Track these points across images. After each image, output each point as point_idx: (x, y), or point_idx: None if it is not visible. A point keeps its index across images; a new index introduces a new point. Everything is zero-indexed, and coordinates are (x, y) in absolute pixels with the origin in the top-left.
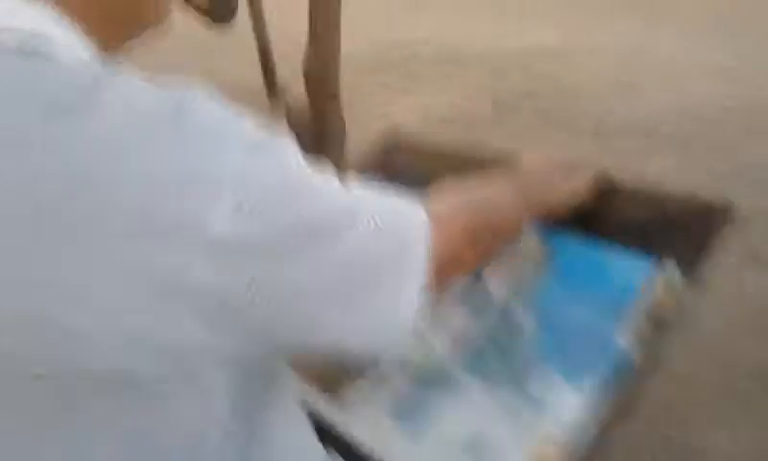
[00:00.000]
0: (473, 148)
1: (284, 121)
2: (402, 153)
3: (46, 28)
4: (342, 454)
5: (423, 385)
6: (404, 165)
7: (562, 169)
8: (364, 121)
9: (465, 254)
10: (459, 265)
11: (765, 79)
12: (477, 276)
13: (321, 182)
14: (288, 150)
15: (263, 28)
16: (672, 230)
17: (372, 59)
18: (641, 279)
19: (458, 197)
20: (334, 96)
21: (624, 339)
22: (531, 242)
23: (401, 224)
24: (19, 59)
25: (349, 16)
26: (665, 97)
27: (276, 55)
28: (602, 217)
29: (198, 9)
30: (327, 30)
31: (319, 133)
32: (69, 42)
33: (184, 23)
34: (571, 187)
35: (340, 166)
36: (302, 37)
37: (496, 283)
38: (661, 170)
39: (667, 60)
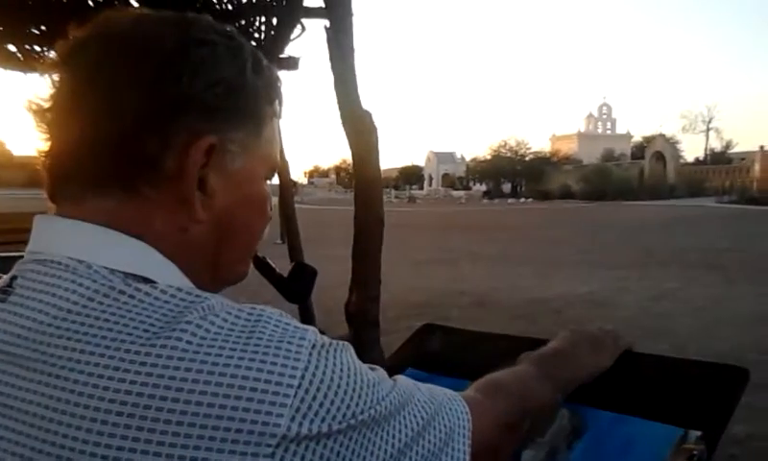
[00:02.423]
0: (505, 334)
1: None
2: (439, 340)
3: (149, 266)
4: None
5: None
6: (441, 352)
7: (588, 343)
8: None
9: (502, 443)
10: (496, 454)
11: None
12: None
13: (373, 379)
14: (345, 350)
15: None
16: (692, 395)
17: (404, 305)
18: (667, 450)
19: (493, 387)
20: (375, 324)
21: None
22: (561, 417)
23: (446, 417)
24: (124, 294)
25: (387, 267)
26: (695, 343)
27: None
28: (625, 381)
29: (273, 284)
30: (370, 276)
31: None
32: (167, 276)
33: None
34: (598, 361)
35: None
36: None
37: (529, 457)
38: None
39: (696, 308)
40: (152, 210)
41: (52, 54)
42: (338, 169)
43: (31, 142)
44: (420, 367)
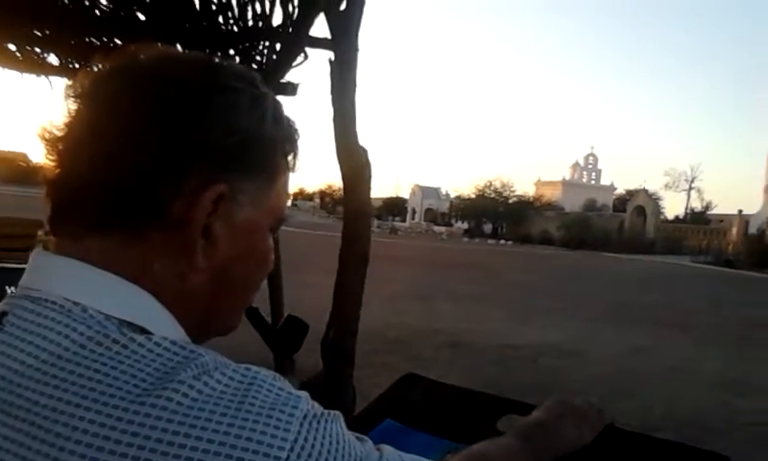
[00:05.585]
0: (486, 393)
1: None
2: (421, 392)
3: (146, 314)
4: None
5: None
6: (422, 405)
7: (573, 416)
8: (366, 397)
9: None
10: None
11: None
12: None
13: (361, 453)
14: (335, 421)
15: (280, 307)
16: None
17: (378, 340)
18: None
19: (478, 459)
20: (351, 361)
21: None
22: None
23: None
24: (117, 343)
25: (363, 299)
26: (661, 404)
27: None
28: (604, 457)
29: (262, 335)
30: (349, 313)
31: (329, 400)
32: (163, 326)
33: None
34: (581, 436)
35: None
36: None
37: None
38: None
39: (666, 368)
40: (152, 254)
41: (51, 57)
42: (323, 193)
43: (18, 138)
44: (400, 419)
